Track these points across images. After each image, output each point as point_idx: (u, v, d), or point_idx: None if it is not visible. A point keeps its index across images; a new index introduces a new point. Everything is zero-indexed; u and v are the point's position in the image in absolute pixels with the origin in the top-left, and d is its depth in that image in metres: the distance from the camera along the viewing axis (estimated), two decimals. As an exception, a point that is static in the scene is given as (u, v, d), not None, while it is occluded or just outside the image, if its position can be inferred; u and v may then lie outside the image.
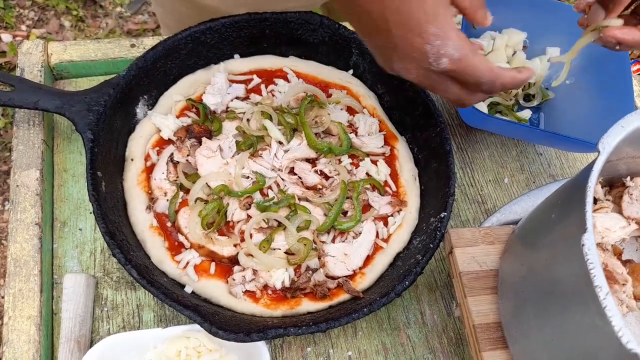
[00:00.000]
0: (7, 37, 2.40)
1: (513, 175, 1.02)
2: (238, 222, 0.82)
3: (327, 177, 0.89)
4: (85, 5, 2.54)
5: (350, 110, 0.96)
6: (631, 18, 0.75)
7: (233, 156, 0.87)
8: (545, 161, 1.04)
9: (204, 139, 0.87)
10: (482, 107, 1.01)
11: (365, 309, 0.72)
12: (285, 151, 0.88)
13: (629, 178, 0.75)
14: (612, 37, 0.72)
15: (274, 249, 0.81)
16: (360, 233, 0.85)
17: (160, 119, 0.88)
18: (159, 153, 0.87)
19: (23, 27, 2.46)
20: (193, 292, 0.78)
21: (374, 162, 0.92)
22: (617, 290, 0.66)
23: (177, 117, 0.90)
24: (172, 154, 0.87)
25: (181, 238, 0.81)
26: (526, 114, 1.04)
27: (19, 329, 0.73)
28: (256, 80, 0.96)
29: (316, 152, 0.89)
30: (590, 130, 0.92)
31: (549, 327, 0.60)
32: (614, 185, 0.78)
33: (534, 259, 0.67)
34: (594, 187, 0.54)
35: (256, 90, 0.96)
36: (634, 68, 2.33)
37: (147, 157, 0.87)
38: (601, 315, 0.49)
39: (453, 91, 0.68)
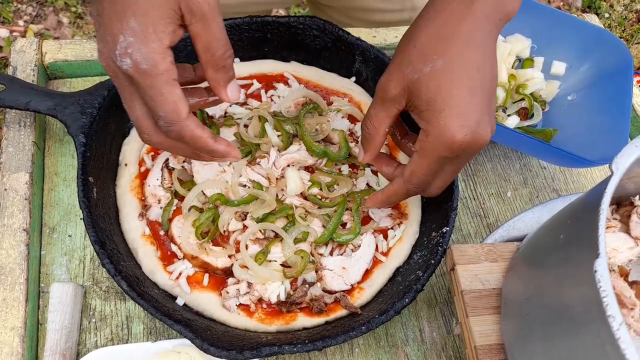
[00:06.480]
0: (4, 32, 2.37)
1: (516, 189, 0.99)
2: (233, 232, 0.80)
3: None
4: (85, 1, 2.51)
5: (352, 119, 0.94)
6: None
7: (230, 164, 0.84)
8: (549, 175, 1.02)
9: (200, 145, 0.84)
10: None
11: (363, 327, 0.70)
12: (283, 156, 0.86)
13: (637, 197, 0.73)
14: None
15: (270, 261, 0.78)
16: (359, 246, 0.82)
17: (155, 124, 0.85)
18: (153, 158, 0.84)
19: (20, 23, 2.43)
20: (185, 305, 0.75)
21: (375, 173, 0.89)
22: (625, 314, 0.64)
23: (174, 121, 0.87)
24: (167, 159, 0.84)
25: (174, 248, 0.78)
26: (512, 121, 1.00)
27: (1, 341, 0.70)
28: (256, 85, 0.94)
29: (312, 156, 0.87)
30: (587, 146, 0.90)
31: (555, 351, 0.58)
32: (622, 203, 0.76)
33: (540, 280, 0.64)
34: (607, 209, 0.52)
35: (256, 95, 0.93)
36: (637, 79, 2.32)
37: (141, 163, 0.84)
38: (612, 344, 0.46)
39: (134, 108, 0.56)
